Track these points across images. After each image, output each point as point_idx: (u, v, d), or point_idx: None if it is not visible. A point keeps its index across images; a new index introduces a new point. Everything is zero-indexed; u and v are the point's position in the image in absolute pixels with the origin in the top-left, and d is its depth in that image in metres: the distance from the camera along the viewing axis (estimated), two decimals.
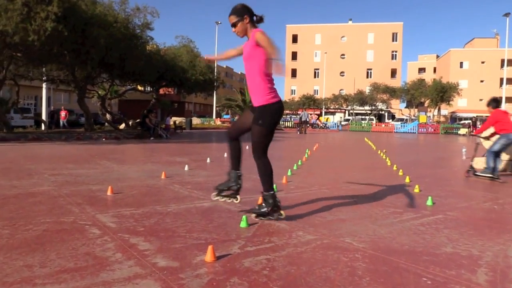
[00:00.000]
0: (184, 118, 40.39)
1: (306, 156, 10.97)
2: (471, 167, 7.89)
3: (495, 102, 7.74)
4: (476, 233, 3.79)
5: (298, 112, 62.64)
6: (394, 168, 8.75)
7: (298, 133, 31.14)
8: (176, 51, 24.01)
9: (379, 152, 13.31)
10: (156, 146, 14.33)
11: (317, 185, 6.31)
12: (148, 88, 28.84)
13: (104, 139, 17.10)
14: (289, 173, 7.35)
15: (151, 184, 6.07)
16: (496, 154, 7.52)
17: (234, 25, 3.88)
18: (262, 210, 3.99)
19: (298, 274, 2.63)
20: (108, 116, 25.78)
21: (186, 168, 7.84)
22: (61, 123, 29.37)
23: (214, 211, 4.38)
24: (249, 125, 3.95)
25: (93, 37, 14.37)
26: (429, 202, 5.02)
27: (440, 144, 20.23)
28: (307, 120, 32.28)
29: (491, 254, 3.19)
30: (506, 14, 42.11)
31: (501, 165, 8.10)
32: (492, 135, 7.81)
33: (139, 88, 28.72)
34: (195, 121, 42.50)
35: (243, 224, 3.76)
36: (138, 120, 21.40)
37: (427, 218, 4.32)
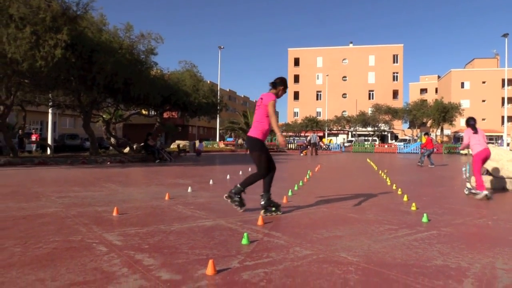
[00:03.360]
0: (187, 141, 40.72)
1: (307, 177, 11.14)
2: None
3: (427, 134, 20.73)
4: (467, 247, 3.94)
5: (301, 134, 62.95)
6: (394, 187, 8.90)
7: (301, 154, 31.31)
8: (180, 75, 24.46)
9: (380, 172, 13.45)
10: (160, 169, 14.55)
11: (316, 204, 6.47)
12: (152, 112, 29.25)
13: (109, 163, 17.34)
14: (289, 193, 7.52)
15: (155, 205, 6.26)
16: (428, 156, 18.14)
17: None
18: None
19: (293, 285, 2.79)
20: (112, 140, 26.11)
21: (189, 189, 8.03)
22: (31, 147, 26.41)
23: (216, 229, 4.55)
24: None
25: (99, 63, 14.79)
26: (424, 219, 5.17)
27: (443, 163, 20.32)
28: (316, 142, 32.24)
29: (479, 266, 3.34)
30: (505, 35, 42.68)
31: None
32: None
33: (143, 112, 29.12)
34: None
35: (244, 241, 3.93)
36: (142, 144, 21.67)
37: (421, 234, 4.47)
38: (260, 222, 4.82)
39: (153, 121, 29.83)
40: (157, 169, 14.49)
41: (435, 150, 17.15)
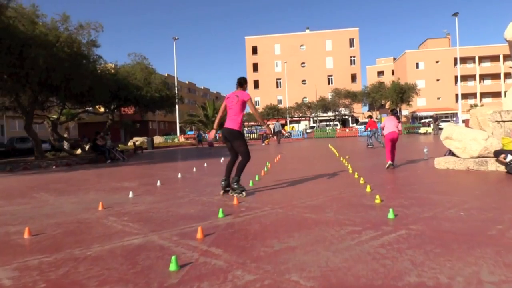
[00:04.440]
0: (146, 137, 39.22)
1: (265, 169, 10.41)
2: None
3: (370, 116, 20.82)
4: (443, 251, 3.30)
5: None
6: (356, 176, 8.31)
7: (263, 144, 30.69)
8: (130, 69, 23.06)
9: (341, 159, 12.92)
10: (109, 170, 13.43)
11: (270, 204, 5.73)
12: (106, 109, 27.73)
13: (54, 167, 15.98)
14: None
15: (83, 218, 5.33)
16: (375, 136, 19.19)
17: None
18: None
19: None
20: (65, 143, 24.50)
21: (131, 194, 7.10)
22: None
23: (144, 249, 3.71)
24: None
25: (30, 58, 13.38)
26: (390, 215, 4.53)
27: (403, 144, 20.15)
28: (280, 130, 31.80)
29: (462, 280, 2.68)
30: (455, 14, 43.42)
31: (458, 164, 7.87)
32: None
33: (100, 110, 27.50)
34: (158, 139, 41.34)
35: (172, 266, 3.12)
36: (91, 144, 20.29)
37: (388, 236, 3.80)
38: (199, 235, 4.01)
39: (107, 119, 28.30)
40: (105, 170, 13.37)
41: (378, 131, 18.78)
